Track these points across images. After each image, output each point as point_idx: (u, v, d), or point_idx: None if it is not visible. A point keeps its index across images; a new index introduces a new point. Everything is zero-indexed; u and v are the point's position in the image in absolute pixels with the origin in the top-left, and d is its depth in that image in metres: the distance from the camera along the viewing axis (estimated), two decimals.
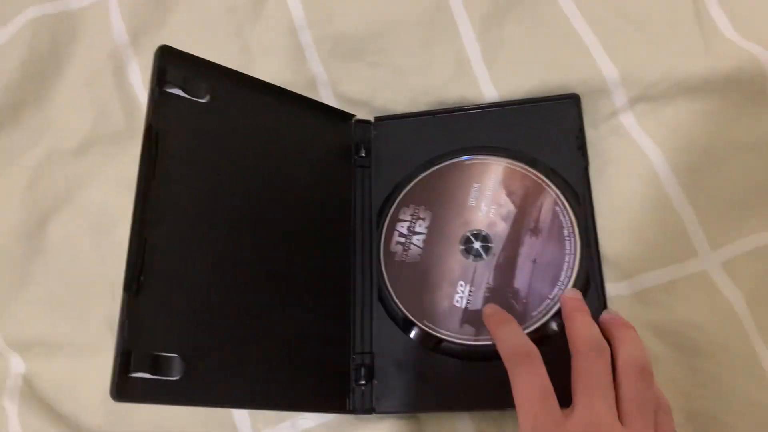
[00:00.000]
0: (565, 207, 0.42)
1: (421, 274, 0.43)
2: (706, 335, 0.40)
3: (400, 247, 0.44)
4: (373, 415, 0.42)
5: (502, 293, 0.41)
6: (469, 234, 0.43)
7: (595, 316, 0.39)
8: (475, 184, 0.44)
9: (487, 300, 0.41)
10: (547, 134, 0.44)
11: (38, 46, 0.53)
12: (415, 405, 0.41)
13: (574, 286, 0.40)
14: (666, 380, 0.39)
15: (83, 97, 0.52)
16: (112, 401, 0.31)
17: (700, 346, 0.40)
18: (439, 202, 0.45)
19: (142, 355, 0.32)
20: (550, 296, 0.41)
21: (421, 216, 0.45)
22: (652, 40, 0.45)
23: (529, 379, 0.34)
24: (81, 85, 0.53)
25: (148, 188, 0.35)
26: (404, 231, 0.45)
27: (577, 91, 0.45)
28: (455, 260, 0.43)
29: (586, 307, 0.38)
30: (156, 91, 0.36)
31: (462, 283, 0.42)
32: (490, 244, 0.43)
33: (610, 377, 0.34)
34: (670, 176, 0.43)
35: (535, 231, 0.42)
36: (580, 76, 0.46)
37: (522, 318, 0.40)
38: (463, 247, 0.43)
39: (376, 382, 0.42)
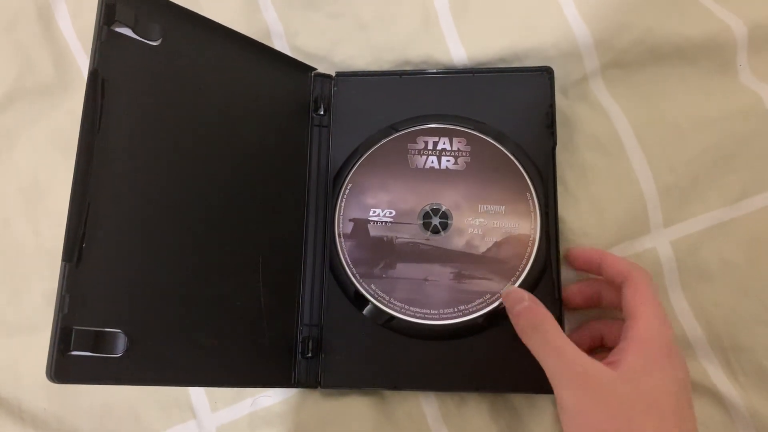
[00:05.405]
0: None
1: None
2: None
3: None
4: (336, 391, 0.41)
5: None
6: (428, 209, 0.42)
7: (549, 297, 0.39)
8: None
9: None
10: (516, 107, 0.43)
11: None
12: (362, 381, 0.40)
13: (532, 267, 0.40)
14: None
15: (4, 45, 0.47)
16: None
17: None
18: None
19: (84, 331, 0.29)
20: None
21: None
22: (628, 5, 0.43)
23: None
24: (0, 30, 0.47)
25: (91, 144, 0.31)
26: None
27: (548, 54, 0.43)
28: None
29: None
30: (103, 30, 0.32)
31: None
32: (449, 221, 0.41)
33: None
34: (636, 148, 0.42)
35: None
36: (552, 39, 0.43)
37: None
38: (421, 222, 0.42)
39: (323, 355, 0.40)
